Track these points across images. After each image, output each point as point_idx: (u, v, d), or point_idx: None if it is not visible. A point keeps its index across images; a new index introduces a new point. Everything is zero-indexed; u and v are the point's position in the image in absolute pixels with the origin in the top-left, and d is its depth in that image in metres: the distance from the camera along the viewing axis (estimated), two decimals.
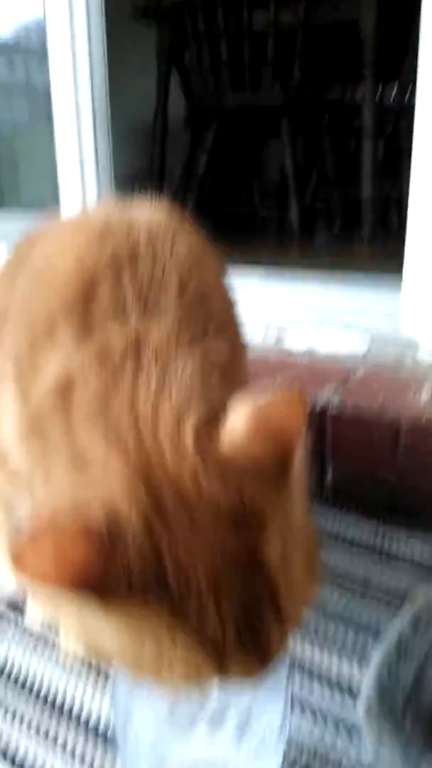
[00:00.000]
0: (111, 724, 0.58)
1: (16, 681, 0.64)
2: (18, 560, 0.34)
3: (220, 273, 0.60)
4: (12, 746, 0.57)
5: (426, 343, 1.11)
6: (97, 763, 0.55)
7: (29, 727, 0.59)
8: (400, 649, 0.53)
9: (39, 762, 0.55)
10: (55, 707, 0.60)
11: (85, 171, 1.58)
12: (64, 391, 0.44)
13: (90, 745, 0.56)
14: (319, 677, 0.63)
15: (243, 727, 0.49)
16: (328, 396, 0.94)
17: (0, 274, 0.62)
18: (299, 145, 2.53)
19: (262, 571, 0.38)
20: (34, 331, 0.48)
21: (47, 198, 1.65)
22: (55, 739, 0.57)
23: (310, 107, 2.38)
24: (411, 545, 0.84)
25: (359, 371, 1.04)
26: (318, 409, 0.93)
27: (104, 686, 0.62)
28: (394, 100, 2.54)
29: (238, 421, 0.39)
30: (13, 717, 0.60)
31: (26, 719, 0.59)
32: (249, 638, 0.39)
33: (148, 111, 2.59)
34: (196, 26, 2.28)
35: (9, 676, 0.64)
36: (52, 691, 0.62)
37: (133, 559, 0.36)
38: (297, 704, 0.60)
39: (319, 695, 0.61)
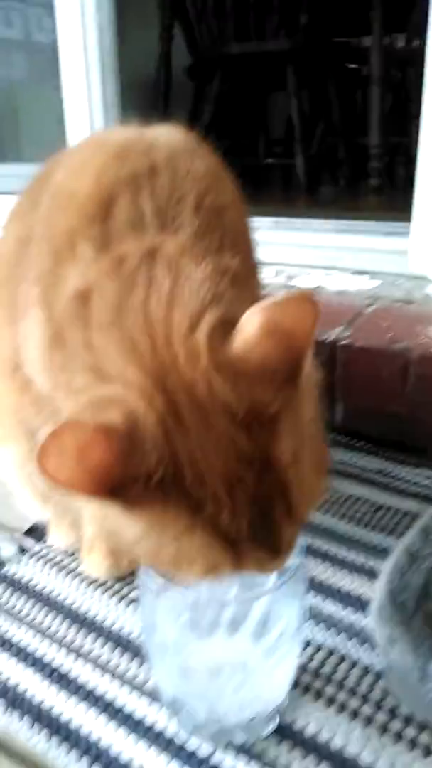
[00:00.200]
0: (136, 634, 0.61)
1: (40, 598, 0.67)
2: (43, 462, 0.35)
3: (237, 192, 0.60)
4: (45, 658, 0.60)
5: None
6: (122, 668, 0.59)
7: (53, 640, 0.62)
8: (411, 556, 0.55)
9: (68, 671, 0.59)
10: (81, 622, 0.64)
11: (95, 124, 1.57)
12: (83, 301, 0.45)
13: (116, 654, 0.60)
14: (331, 592, 0.66)
15: (261, 630, 0.51)
16: (338, 333, 0.95)
17: (24, 199, 0.63)
18: (305, 95, 2.48)
19: (274, 469, 0.40)
20: (56, 248, 0.49)
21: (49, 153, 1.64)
22: (79, 650, 0.61)
23: (316, 54, 2.33)
24: (419, 476, 0.86)
25: (369, 309, 1.05)
26: (328, 345, 0.94)
27: (125, 603, 0.66)
28: (407, 44, 2.47)
29: (250, 324, 0.39)
30: (43, 633, 0.63)
31: (53, 633, 0.63)
32: (262, 533, 0.40)
33: (151, 63, 2.54)
34: None
35: (36, 594, 0.68)
36: (75, 606, 0.66)
37: (151, 462, 0.38)
38: (311, 616, 0.62)
39: (332, 608, 0.64)
